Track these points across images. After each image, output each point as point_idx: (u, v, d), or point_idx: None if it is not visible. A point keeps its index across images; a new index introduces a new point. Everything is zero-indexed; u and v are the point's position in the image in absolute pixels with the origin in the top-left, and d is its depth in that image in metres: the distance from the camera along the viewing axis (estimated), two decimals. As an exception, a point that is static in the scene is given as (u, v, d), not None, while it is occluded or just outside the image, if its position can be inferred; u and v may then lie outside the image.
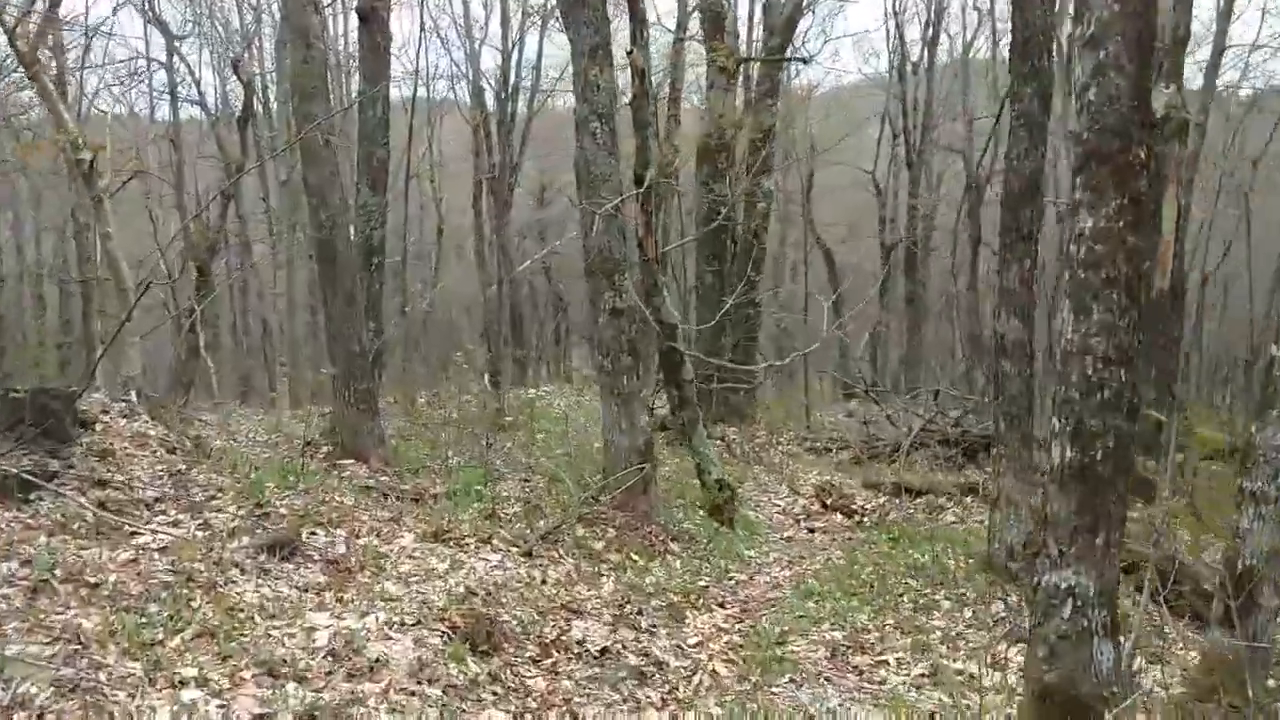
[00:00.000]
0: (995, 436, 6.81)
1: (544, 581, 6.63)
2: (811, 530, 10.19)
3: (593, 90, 8.02)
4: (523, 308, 33.41)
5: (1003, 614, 5.89)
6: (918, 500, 10.11)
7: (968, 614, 6.11)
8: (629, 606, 6.46)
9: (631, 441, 8.11)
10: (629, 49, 8.64)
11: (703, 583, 7.13)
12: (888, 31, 27.18)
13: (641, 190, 8.44)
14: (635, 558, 7.41)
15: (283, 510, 7.20)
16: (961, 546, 7.71)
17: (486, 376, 21.27)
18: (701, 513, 9.37)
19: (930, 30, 28.46)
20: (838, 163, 25.24)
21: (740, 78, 17.10)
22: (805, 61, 15.13)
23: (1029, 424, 6.76)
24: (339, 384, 10.37)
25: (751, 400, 16.40)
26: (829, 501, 10.98)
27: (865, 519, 10.19)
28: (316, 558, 6.21)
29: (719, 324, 14.27)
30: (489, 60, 54.89)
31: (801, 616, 6.32)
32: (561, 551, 7.20)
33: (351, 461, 10.35)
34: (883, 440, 15.30)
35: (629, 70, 8.66)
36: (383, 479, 10.01)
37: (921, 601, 6.34)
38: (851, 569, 7.34)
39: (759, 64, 15.98)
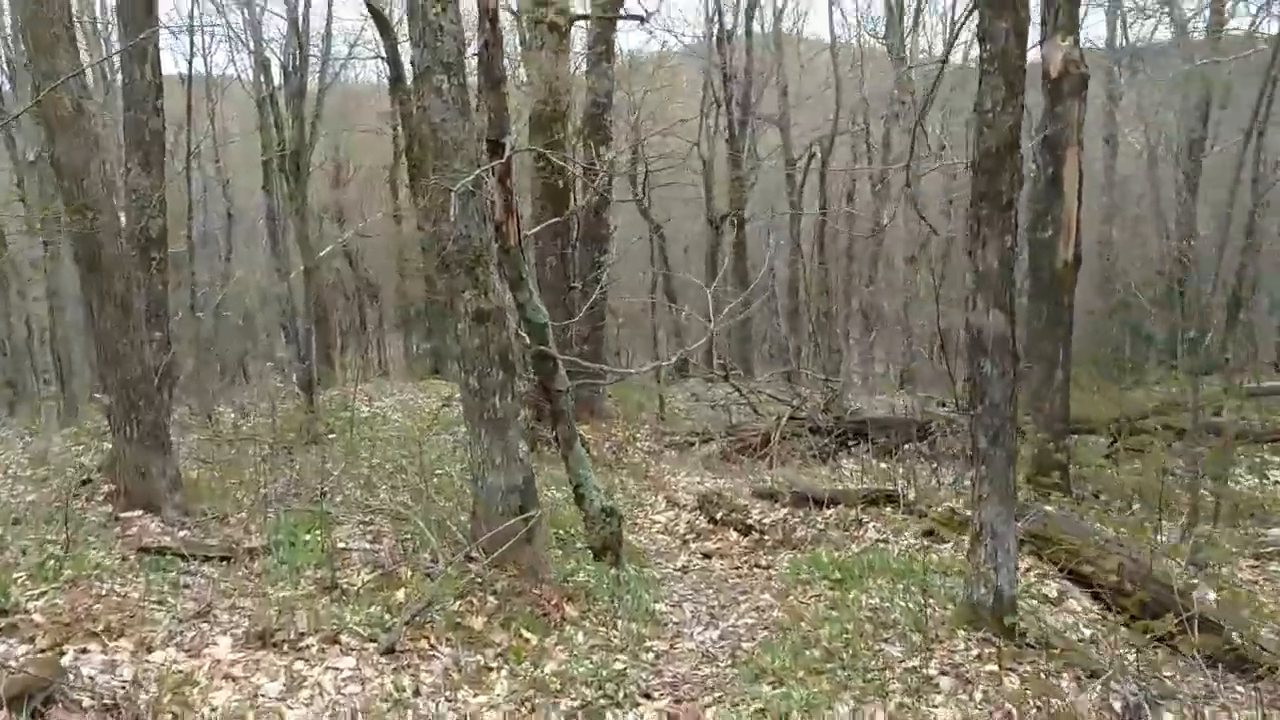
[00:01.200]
0: (974, 454, 5.52)
1: (416, 692, 4.88)
2: (707, 555, 8.74)
3: (434, 34, 6.21)
4: (327, 296, 30.71)
5: (1032, 699, 4.57)
6: (826, 512, 8.81)
7: (978, 696, 4.76)
8: (533, 718, 4.81)
9: (509, 480, 6.39)
10: (475, -18, 6.86)
11: (618, 664, 5.53)
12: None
13: (501, 161, 6.68)
14: (527, 634, 5.73)
15: (38, 618, 5.15)
16: (917, 582, 6.41)
17: (295, 378, 18.93)
18: (586, 551, 7.77)
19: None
20: (666, 132, 23.89)
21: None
22: (642, 20, 13.53)
23: (1014, 438, 5.51)
24: (117, 416, 8.22)
25: (602, 394, 14.86)
26: (718, 516, 9.56)
27: (766, 537, 8.82)
28: (86, 704, 4.25)
29: (566, 312, 12.68)
30: (272, 29, 50.81)
31: (760, 711, 4.82)
32: (433, 639, 5.44)
33: (138, 513, 8.22)
34: (749, 429, 14.08)
35: (477, 9, 6.87)
36: (181, 533, 7.95)
37: (911, 681, 4.94)
38: (799, 626, 5.90)
39: (591, 23, 14.32)
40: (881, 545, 7.79)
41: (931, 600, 6.10)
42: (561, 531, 8.73)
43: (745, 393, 14.51)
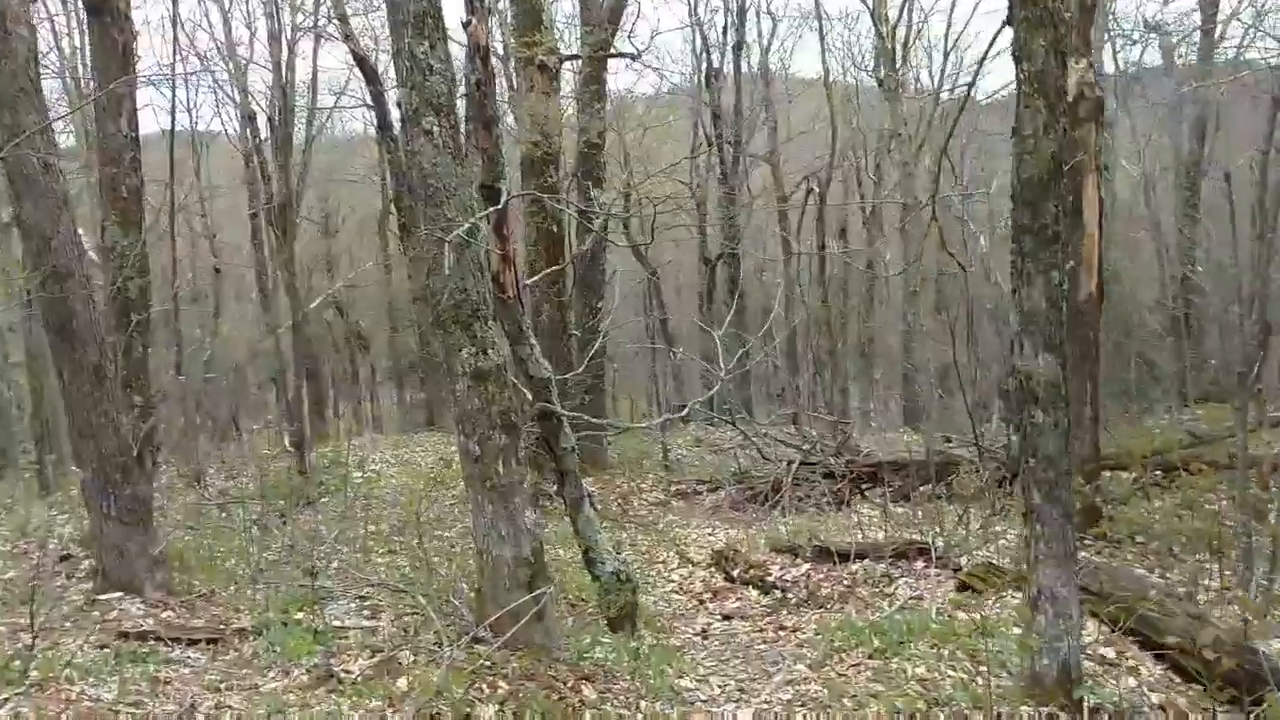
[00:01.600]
0: (1027, 511, 5.04)
1: (425, 807, 4.34)
2: (727, 617, 8.21)
3: (422, 73, 5.78)
4: (318, 349, 30.22)
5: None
6: (852, 567, 8.28)
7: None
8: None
9: (516, 552, 5.87)
10: (465, 18, 6.43)
11: (645, 754, 5.00)
12: (692, 35, 25.42)
13: (497, 208, 6.23)
14: (543, 726, 5.20)
15: (-6, 734, 4.61)
16: (963, 647, 5.89)
17: (285, 437, 18.40)
18: (600, 620, 7.24)
19: (734, 35, 27.38)
20: (663, 174, 23.59)
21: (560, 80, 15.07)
22: (634, 58, 13.21)
23: (1071, 493, 5.02)
24: (92, 492, 7.71)
25: (604, 445, 14.34)
26: (735, 573, 9.03)
27: (788, 595, 8.29)
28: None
29: (564, 362, 12.22)
30: (257, 81, 50.71)
31: (811, 809, 4.29)
32: (440, 737, 4.90)
33: (118, 595, 7.69)
34: (758, 476, 13.56)
35: (467, 46, 6.45)
36: (165, 615, 7.42)
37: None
38: (841, 704, 5.36)
39: (582, 64, 13.98)
40: (915, 603, 7.26)
41: (983, 668, 5.58)
42: (571, 596, 8.21)
43: (752, 437, 14.00)
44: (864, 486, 13.27)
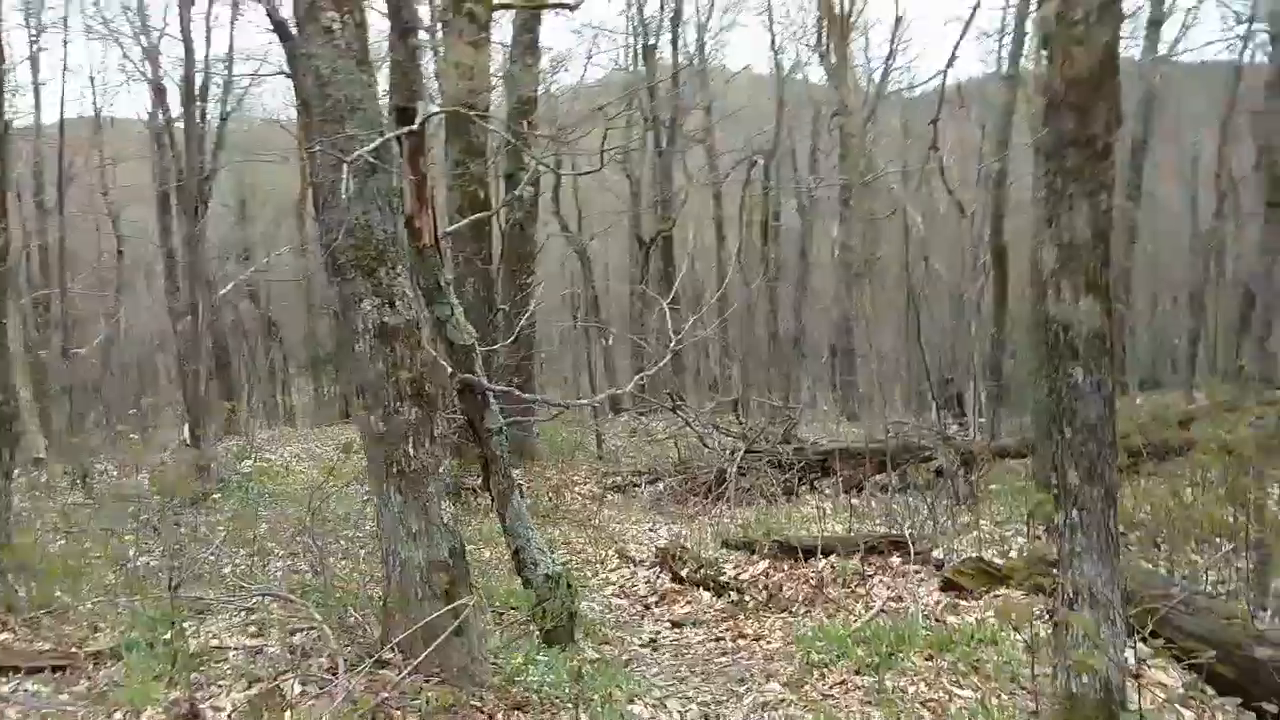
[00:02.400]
0: (1061, 493, 4.10)
1: None
2: (677, 624, 7.16)
3: (319, -40, 4.64)
4: (228, 339, 28.50)
5: None
6: (818, 564, 7.30)
7: None
8: None
9: (431, 553, 4.75)
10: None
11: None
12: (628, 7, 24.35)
13: (409, 130, 5.10)
14: (464, 771, 4.11)
15: None
16: (964, 658, 4.95)
17: (186, 428, 16.93)
18: (532, 632, 6.16)
19: (671, 7, 26.42)
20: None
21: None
22: (572, 8, 12.09)
23: (1115, 471, 4.09)
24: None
25: (533, 433, 13.21)
26: (684, 572, 8.00)
27: (746, 597, 7.28)
28: None
29: (490, 340, 11.10)
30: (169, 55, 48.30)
31: None
32: (329, 793, 3.79)
33: (-52, 612, 6.42)
34: (700, 466, 12.57)
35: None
36: (4, 636, 6.18)
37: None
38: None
39: (516, 13, 12.82)
40: (896, 606, 6.31)
41: (993, 684, 4.64)
42: (498, 603, 7.11)
43: (693, 425, 13.01)
44: (813, 477, 12.38)
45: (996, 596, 5.95)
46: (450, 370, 5.95)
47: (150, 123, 24.03)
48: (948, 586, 6.29)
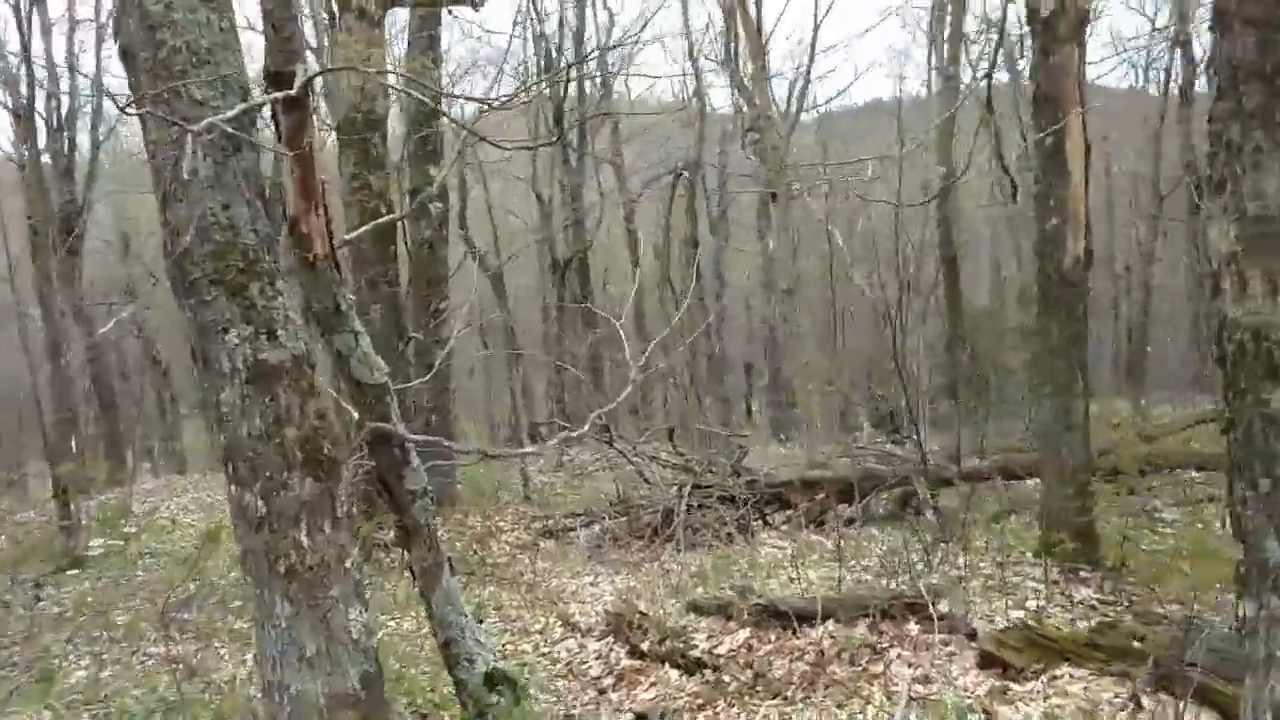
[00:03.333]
0: (1254, 569, 2.94)
1: None
2: (642, 718, 5.84)
3: None
4: (112, 379, 26.20)
5: None
6: (812, 633, 6.05)
7: None
8: None
9: (333, 683, 3.36)
10: None
11: None
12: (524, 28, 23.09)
13: (286, 95, 3.71)
14: None
15: None
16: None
17: (51, 483, 14.99)
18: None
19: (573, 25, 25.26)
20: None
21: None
22: (475, 6, 10.80)
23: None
24: None
25: (453, 476, 11.74)
26: (645, 645, 6.68)
27: (725, 677, 5.99)
28: None
29: (401, 375, 9.69)
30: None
31: None
32: None
33: None
34: (642, 505, 11.27)
35: None
36: None
37: None
38: None
39: (411, 11, 11.45)
40: (924, 691, 5.09)
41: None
42: (420, 703, 5.71)
43: (632, 458, 11.72)
44: (767, 511, 11.19)
45: (1056, 678, 4.77)
46: (357, 417, 4.58)
47: (16, 152, 22.13)
48: (988, 662, 5.10)
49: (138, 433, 29.26)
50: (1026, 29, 7.74)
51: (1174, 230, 22.27)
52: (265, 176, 3.50)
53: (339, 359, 4.45)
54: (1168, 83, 19.29)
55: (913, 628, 5.77)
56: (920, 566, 7.11)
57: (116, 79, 22.90)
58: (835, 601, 6.15)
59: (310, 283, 4.21)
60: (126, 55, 3.39)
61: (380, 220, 7.95)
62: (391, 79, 8.56)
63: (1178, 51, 19.19)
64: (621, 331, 6.28)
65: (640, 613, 7.14)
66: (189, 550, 10.55)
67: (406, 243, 11.98)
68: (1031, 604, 6.58)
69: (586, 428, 5.28)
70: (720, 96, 25.42)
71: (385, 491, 4.74)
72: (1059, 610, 6.49)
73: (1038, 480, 11.10)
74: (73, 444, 15.25)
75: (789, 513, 11.21)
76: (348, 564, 3.44)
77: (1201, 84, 19.91)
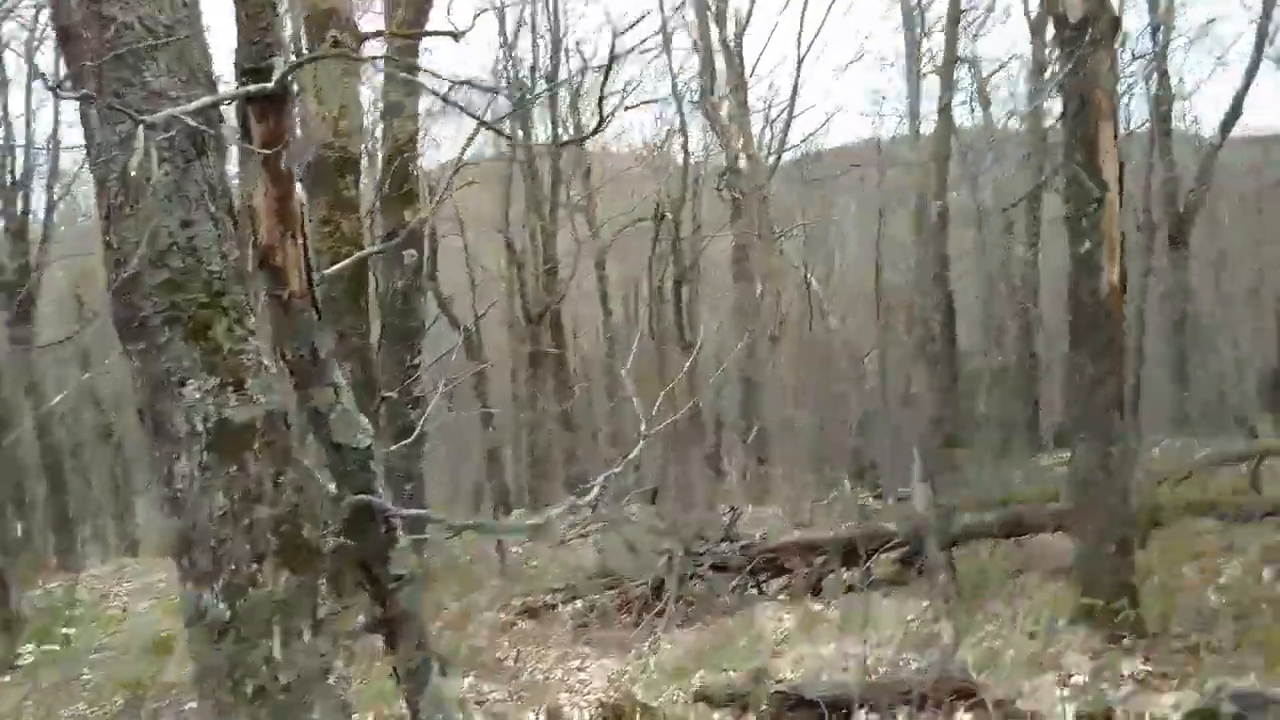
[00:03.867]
0: None
1: None
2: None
3: None
4: (63, 455, 24.64)
5: None
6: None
7: None
8: None
9: None
10: None
11: None
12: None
13: (262, 89, 3.04)
14: None
15: None
16: None
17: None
18: None
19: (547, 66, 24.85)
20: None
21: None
22: (455, 37, 10.20)
23: None
24: None
25: (424, 551, 10.90)
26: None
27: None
28: None
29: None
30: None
31: None
32: None
33: None
34: (629, 578, 10.51)
35: None
36: None
37: None
38: None
39: (388, 41, 10.86)
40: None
41: None
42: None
43: (616, 525, 10.99)
44: (762, 578, 10.48)
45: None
46: (334, 490, 3.85)
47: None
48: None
49: (91, 512, 27.75)
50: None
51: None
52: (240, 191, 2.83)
53: (315, 418, 3.74)
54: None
55: (964, 717, 5.08)
56: (946, 639, 6.42)
57: (73, 129, 22.07)
58: (868, 687, 5.44)
59: (283, 326, 3.51)
60: (65, 37, 2.71)
61: (362, 254, 7.27)
62: (385, 64, 7.89)
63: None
64: (630, 384, 5.60)
65: (641, 705, 6.39)
66: (142, 647, 9.58)
67: (378, 292, 11.28)
68: (1077, 678, 5.93)
69: (595, 493, 4.58)
70: (691, 141, 24.99)
71: (367, 577, 3.99)
72: (1107, 686, 5.86)
73: (1052, 534, 10.61)
74: (18, 528, 14.12)
75: (785, 579, 10.53)
76: (331, 678, 2.72)
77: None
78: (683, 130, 22.18)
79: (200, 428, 2.57)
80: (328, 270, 4.33)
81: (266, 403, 2.67)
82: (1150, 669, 5.98)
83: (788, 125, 21.90)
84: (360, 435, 3.84)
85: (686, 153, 21.95)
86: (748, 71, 21.53)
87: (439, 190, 13.84)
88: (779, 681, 6.06)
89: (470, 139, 15.07)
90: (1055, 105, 13.05)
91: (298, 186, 3.56)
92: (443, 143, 34.08)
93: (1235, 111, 19.02)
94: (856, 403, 24.57)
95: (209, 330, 2.60)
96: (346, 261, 5.76)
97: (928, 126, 17.16)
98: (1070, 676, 5.87)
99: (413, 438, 5.45)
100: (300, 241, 3.56)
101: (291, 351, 3.61)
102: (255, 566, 2.56)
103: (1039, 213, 21.72)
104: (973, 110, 23.09)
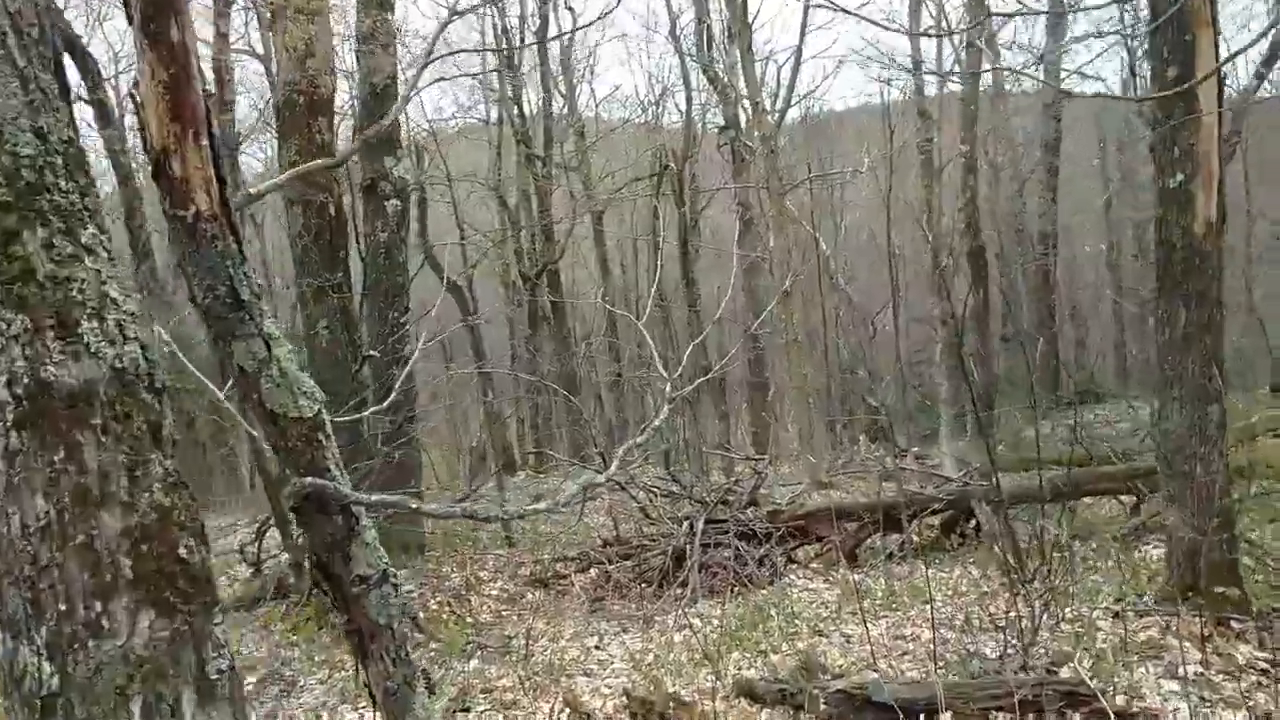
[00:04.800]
0: None
1: None
2: None
3: None
4: None
5: None
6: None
7: None
8: None
9: None
10: None
11: None
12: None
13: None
14: None
15: None
16: None
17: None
18: None
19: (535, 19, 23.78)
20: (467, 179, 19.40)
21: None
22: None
23: None
24: None
25: (421, 521, 10.05)
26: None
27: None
28: None
29: (359, 402, 8.04)
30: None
31: None
32: None
33: None
34: (645, 544, 9.67)
35: None
36: None
37: None
38: None
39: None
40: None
41: None
42: None
43: (631, 490, 10.12)
44: (792, 546, 9.62)
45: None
46: (277, 469, 2.94)
47: None
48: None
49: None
50: None
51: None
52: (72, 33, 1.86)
53: (243, 379, 2.81)
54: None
55: (1074, 725, 4.18)
56: (1026, 624, 5.51)
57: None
58: (954, 688, 4.53)
59: (189, 253, 2.58)
60: None
61: (312, 164, 6.30)
62: None
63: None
64: (652, 345, 4.67)
65: (675, 700, 5.50)
66: None
67: (360, 248, 10.35)
68: (1184, 670, 5.04)
69: (615, 466, 3.66)
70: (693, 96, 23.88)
71: (324, 579, 3.09)
72: (1223, 679, 4.97)
73: (1111, 499, 9.73)
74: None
75: (817, 546, 9.69)
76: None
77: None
78: (684, 77, 21.04)
79: (4, 395, 1.65)
80: (259, 188, 3.37)
81: (114, 356, 1.74)
82: (1268, 656, 5.10)
83: (795, 71, 20.73)
84: (304, 402, 2.91)
85: (689, 99, 20.82)
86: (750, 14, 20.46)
87: (411, 96, 12.74)
88: (836, 676, 5.17)
89: (441, 28, 13.98)
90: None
91: (198, 66, 2.61)
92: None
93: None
94: (870, 362, 23.69)
95: (14, 246, 1.67)
96: (295, 171, 4.79)
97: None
98: (1177, 668, 4.97)
99: (390, 400, 4.57)
100: (205, 145, 2.60)
101: (204, 291, 2.69)
102: (100, 607, 1.64)
103: (1058, 163, 20.74)
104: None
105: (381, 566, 3.14)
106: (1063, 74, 19.86)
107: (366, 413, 4.58)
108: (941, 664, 5.43)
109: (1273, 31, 12.79)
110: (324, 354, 8.93)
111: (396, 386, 4.40)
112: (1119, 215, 26.11)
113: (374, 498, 3.00)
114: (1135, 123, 24.61)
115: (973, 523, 9.37)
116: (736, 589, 8.62)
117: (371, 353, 8.20)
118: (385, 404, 4.25)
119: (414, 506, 2.90)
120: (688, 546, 8.94)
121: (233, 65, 13.80)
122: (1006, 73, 19.43)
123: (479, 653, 7.46)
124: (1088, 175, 28.72)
